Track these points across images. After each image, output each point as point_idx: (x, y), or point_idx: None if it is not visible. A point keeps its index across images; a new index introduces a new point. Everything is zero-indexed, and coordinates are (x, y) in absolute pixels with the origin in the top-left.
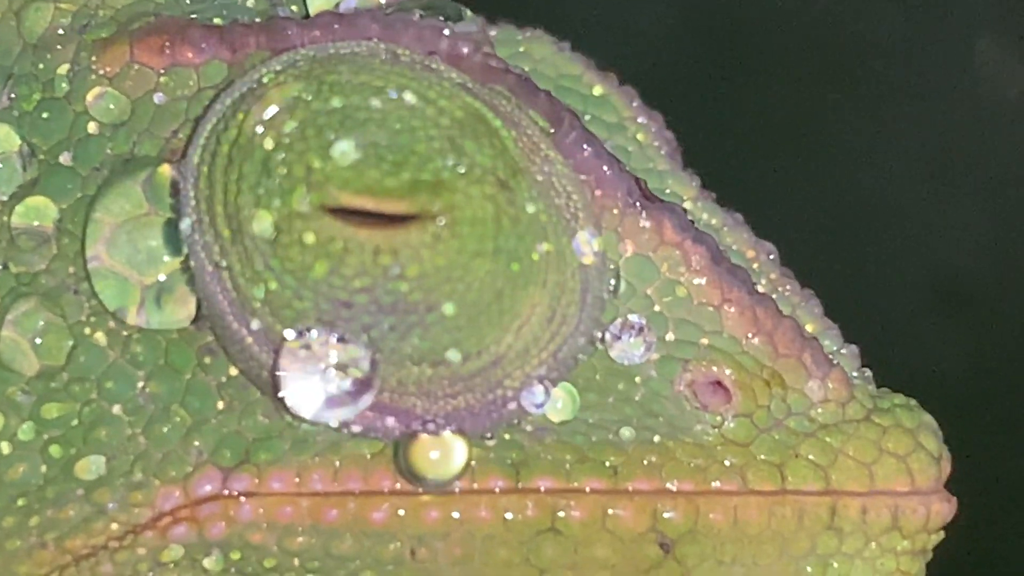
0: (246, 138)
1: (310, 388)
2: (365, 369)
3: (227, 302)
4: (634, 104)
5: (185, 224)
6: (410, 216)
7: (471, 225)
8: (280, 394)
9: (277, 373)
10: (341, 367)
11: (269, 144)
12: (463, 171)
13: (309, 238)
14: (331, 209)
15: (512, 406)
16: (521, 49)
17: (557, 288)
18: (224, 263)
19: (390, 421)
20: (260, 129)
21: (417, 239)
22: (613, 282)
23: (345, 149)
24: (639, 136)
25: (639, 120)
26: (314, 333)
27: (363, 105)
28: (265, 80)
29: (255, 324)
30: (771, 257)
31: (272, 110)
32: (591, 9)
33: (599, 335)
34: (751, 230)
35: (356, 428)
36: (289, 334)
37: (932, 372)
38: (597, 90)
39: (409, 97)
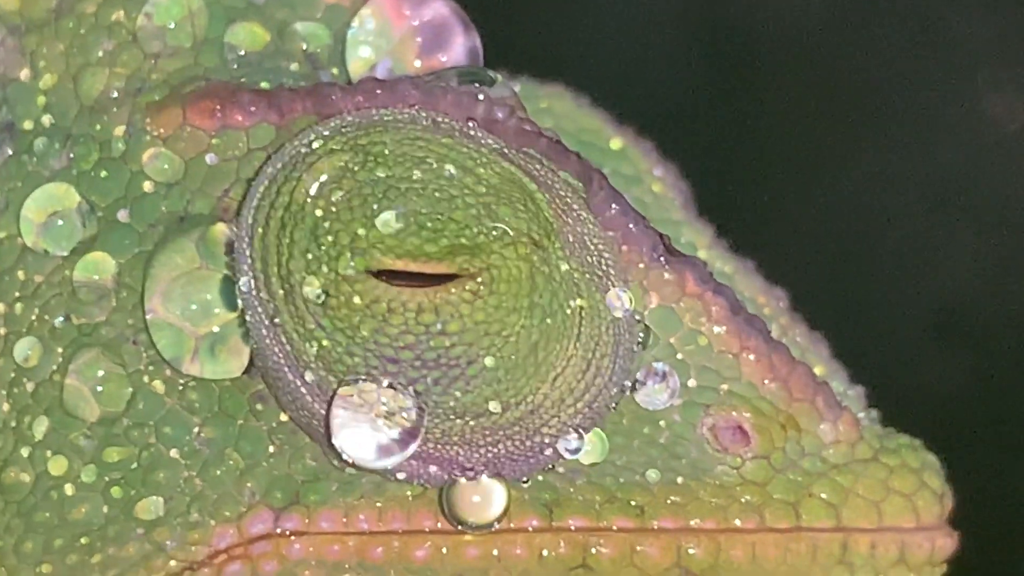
0: (297, 205)
1: (361, 437)
2: (412, 419)
3: (282, 355)
4: (650, 156)
5: (242, 282)
6: (449, 276)
7: (507, 283)
8: (334, 442)
9: (331, 423)
10: (390, 416)
11: (319, 212)
12: (497, 235)
13: (356, 300)
14: (375, 272)
15: (548, 452)
16: (543, 105)
17: (591, 341)
18: (278, 320)
19: (433, 469)
20: (310, 197)
21: (457, 297)
22: (642, 335)
23: (388, 219)
24: (655, 188)
25: (655, 172)
26: (364, 385)
27: (406, 176)
28: (314, 147)
29: (309, 376)
30: (781, 303)
31: (321, 179)
32: (597, 48)
33: (629, 384)
34: (761, 274)
35: (401, 476)
36: (341, 387)
37: (932, 400)
38: (615, 144)
39: (449, 168)
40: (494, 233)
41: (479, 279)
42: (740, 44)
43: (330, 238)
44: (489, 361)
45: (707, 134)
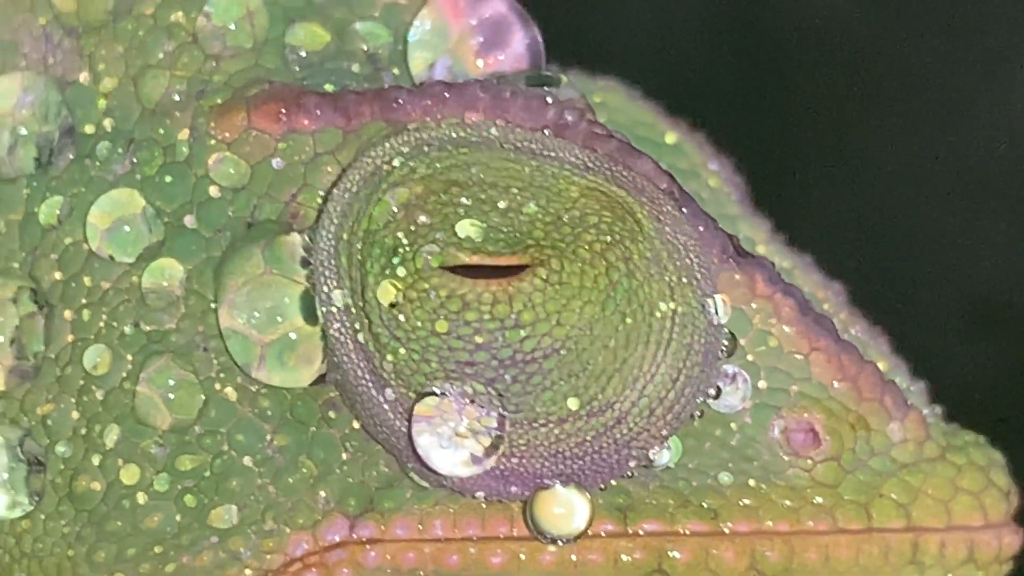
0: (377, 225)
1: (444, 452)
2: (493, 427)
3: (367, 372)
4: (704, 150)
5: (322, 298)
6: (522, 266)
7: (579, 270)
8: (421, 458)
9: (414, 440)
10: (472, 430)
11: (400, 234)
12: (572, 231)
13: (432, 296)
14: (450, 268)
15: (633, 463)
16: (596, 99)
17: (683, 349)
18: (360, 337)
19: (513, 489)
20: (391, 221)
21: (529, 284)
22: (727, 343)
23: (468, 233)
24: (711, 182)
25: (710, 166)
26: (445, 398)
27: (490, 206)
28: (395, 164)
29: (389, 394)
30: (839, 297)
31: (407, 202)
32: (626, 35)
33: (713, 392)
34: (818, 270)
35: (480, 494)
36: (420, 403)
37: (968, 390)
38: (670, 138)
39: (531, 204)
40: (569, 227)
41: (551, 265)
42: (776, 35)
43: (409, 252)
44: (565, 352)
45: (741, 127)
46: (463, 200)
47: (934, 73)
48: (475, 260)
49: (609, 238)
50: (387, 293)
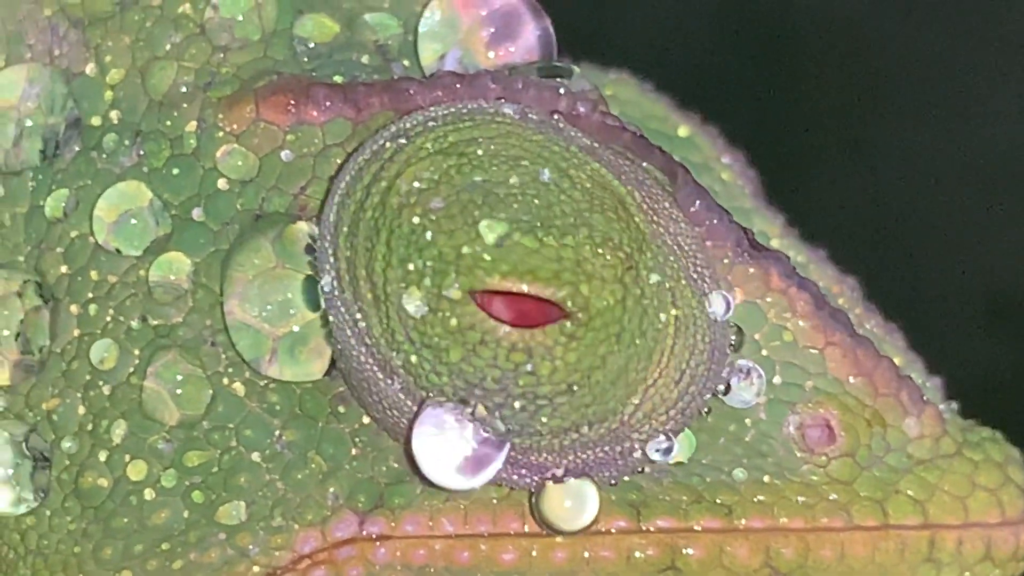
0: (391, 210)
1: (443, 455)
2: (496, 438)
3: (369, 356)
4: (717, 143)
5: (325, 282)
6: (544, 311)
7: (600, 316)
8: (415, 460)
9: (411, 442)
10: (475, 435)
11: (416, 220)
12: (596, 250)
13: (452, 322)
14: (477, 294)
15: (637, 455)
16: (608, 92)
17: (685, 351)
18: (364, 324)
19: (523, 472)
20: (406, 204)
21: (551, 340)
22: (734, 338)
23: (491, 223)
24: (724, 176)
25: (723, 160)
26: (449, 404)
27: (503, 180)
28: (402, 143)
29: (397, 383)
30: (854, 292)
31: (415, 185)
32: (632, 23)
33: (722, 388)
34: (832, 263)
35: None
36: (426, 401)
37: (983, 382)
38: (682, 131)
39: (544, 171)
40: (592, 247)
41: (576, 317)
42: (790, 28)
43: (434, 251)
44: (578, 390)
45: (755, 120)
46: (476, 178)
47: (952, 65)
48: (503, 286)
49: (626, 252)
50: (412, 300)
